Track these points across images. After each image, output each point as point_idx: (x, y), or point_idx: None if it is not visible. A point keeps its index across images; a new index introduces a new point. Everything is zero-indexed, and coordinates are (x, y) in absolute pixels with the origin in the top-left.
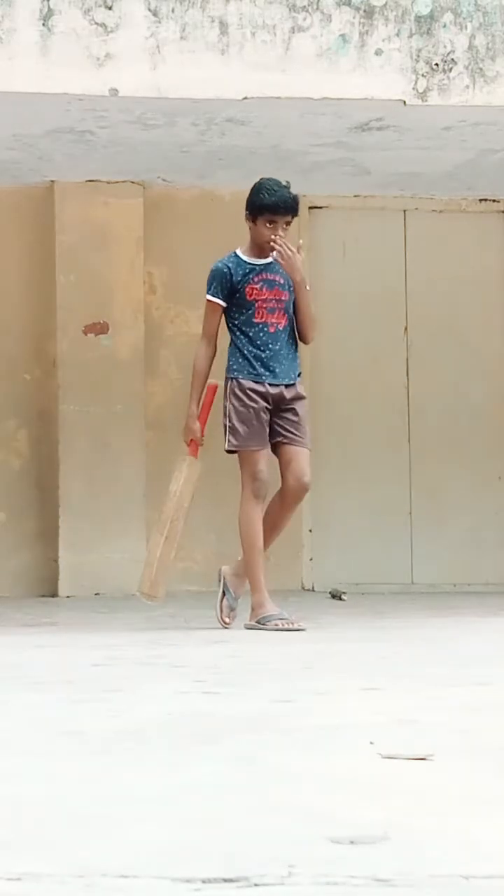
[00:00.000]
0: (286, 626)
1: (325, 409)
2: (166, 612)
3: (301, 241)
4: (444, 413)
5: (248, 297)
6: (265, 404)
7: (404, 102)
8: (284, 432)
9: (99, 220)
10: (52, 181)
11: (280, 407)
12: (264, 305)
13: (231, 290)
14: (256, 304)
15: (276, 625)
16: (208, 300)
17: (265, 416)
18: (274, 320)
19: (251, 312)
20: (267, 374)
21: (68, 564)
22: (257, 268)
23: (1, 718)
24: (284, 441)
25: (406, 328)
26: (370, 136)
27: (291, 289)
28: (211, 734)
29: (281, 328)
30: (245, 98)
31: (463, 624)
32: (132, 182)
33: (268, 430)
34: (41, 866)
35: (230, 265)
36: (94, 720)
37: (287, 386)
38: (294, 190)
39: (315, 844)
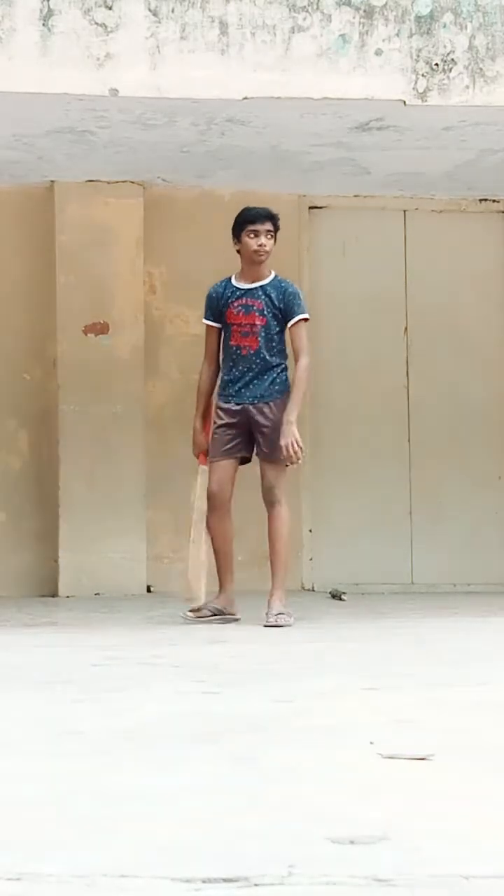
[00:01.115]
0: (196, 615)
1: (325, 409)
2: (166, 613)
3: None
4: (444, 413)
5: (227, 321)
6: (229, 420)
7: (404, 102)
8: (258, 447)
9: (99, 220)
10: (53, 181)
11: (251, 422)
12: (239, 330)
13: (218, 312)
14: (233, 328)
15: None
16: (204, 322)
17: (229, 431)
18: (246, 344)
19: (228, 335)
20: (234, 395)
21: (68, 564)
22: (238, 292)
23: (1, 718)
24: (258, 455)
25: (406, 328)
26: (370, 136)
27: (273, 315)
28: (211, 734)
29: (252, 351)
30: (245, 98)
31: (463, 624)
32: (132, 182)
33: (234, 443)
34: (41, 866)
35: (220, 289)
36: (94, 720)
37: (253, 404)
38: (294, 190)
39: (315, 844)
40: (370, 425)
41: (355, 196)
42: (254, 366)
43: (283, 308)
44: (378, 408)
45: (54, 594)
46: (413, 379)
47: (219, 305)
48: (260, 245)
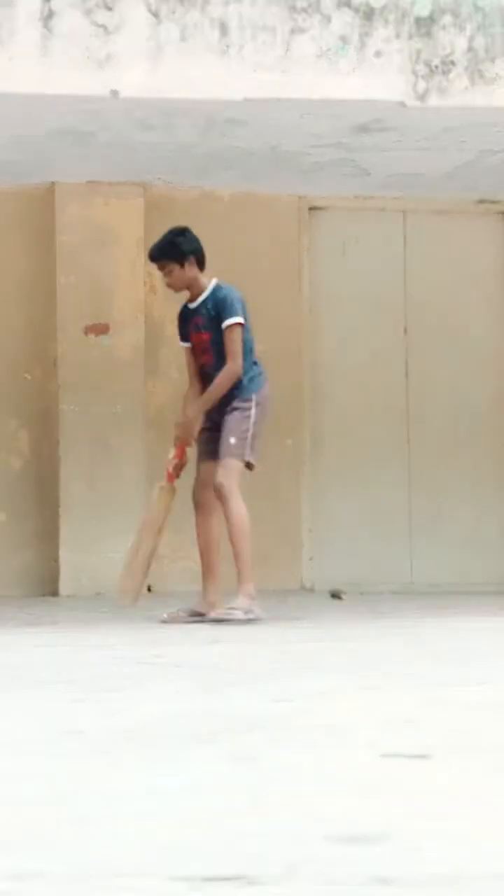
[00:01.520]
0: (171, 617)
1: (325, 409)
2: (167, 612)
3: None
4: (444, 413)
5: (192, 341)
6: (207, 425)
7: (404, 104)
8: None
9: (99, 220)
10: (53, 182)
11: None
12: (199, 347)
13: (186, 334)
14: (196, 347)
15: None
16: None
17: (205, 435)
18: (205, 360)
19: (197, 354)
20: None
21: (69, 564)
22: (190, 313)
23: (1, 718)
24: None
25: (406, 328)
26: (370, 137)
27: (214, 326)
28: (211, 734)
29: (210, 366)
30: (245, 99)
31: (462, 623)
32: (133, 183)
33: (212, 446)
34: (41, 866)
35: (183, 311)
36: (95, 720)
37: (219, 413)
38: (294, 191)
39: (315, 844)
40: (370, 425)
41: (355, 197)
42: (215, 377)
43: (217, 315)
44: (378, 408)
45: (55, 594)
46: (413, 379)
47: (185, 328)
48: (166, 284)
